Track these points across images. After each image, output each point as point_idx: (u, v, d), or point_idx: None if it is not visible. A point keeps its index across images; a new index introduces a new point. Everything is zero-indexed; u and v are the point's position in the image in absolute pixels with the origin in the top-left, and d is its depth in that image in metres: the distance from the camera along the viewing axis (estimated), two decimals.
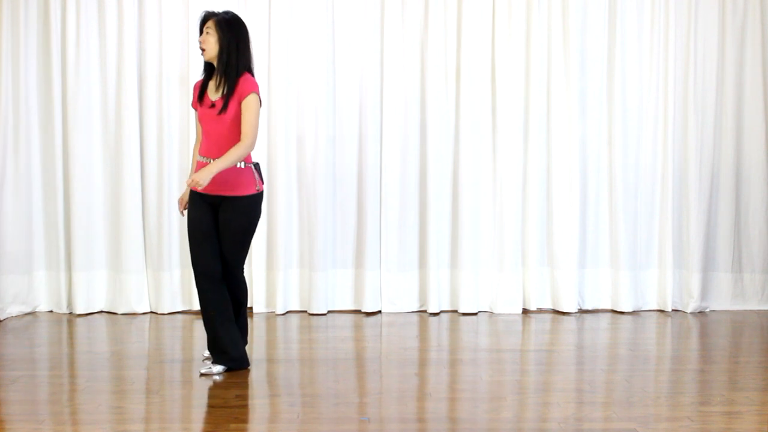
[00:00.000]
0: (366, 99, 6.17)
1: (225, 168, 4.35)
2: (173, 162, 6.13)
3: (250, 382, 4.46)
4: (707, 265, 6.32)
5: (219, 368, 4.56)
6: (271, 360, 4.87)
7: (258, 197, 4.55)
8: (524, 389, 4.33)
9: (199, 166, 4.53)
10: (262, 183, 4.58)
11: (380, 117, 6.19)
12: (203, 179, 4.28)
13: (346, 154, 6.20)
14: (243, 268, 4.69)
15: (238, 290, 4.71)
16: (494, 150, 6.22)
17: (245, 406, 4.04)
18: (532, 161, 6.20)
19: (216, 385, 4.36)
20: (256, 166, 4.55)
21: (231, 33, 4.46)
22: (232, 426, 3.72)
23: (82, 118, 6.04)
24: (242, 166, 4.45)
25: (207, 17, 4.50)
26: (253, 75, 4.53)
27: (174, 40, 6.09)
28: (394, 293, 6.23)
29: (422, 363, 4.89)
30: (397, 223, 6.21)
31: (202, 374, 4.52)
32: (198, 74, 6.05)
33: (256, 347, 5.25)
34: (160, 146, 6.10)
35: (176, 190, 6.13)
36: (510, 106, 6.16)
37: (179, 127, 6.13)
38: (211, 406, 4.05)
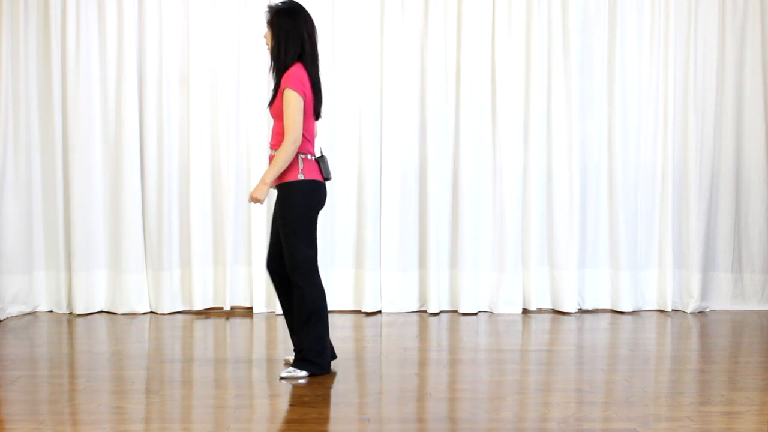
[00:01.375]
0: (366, 99, 6.17)
1: (276, 173, 4.27)
2: (173, 162, 6.13)
3: (250, 382, 4.46)
4: (707, 265, 6.32)
5: (301, 373, 4.43)
6: (271, 360, 4.87)
7: (297, 185, 4.31)
8: (524, 389, 4.33)
9: (269, 158, 4.42)
10: (321, 175, 4.38)
11: (380, 117, 6.19)
12: (260, 194, 4.27)
13: (346, 154, 6.20)
14: (300, 273, 4.37)
15: (295, 299, 4.43)
16: (494, 150, 6.22)
17: (245, 406, 4.04)
18: (532, 161, 6.20)
19: (216, 385, 4.36)
20: (319, 159, 4.40)
21: (279, 24, 4.33)
22: (232, 426, 3.72)
23: (82, 118, 6.04)
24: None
25: (267, 12, 4.41)
26: (306, 65, 4.32)
27: (174, 40, 6.09)
28: (394, 293, 6.23)
29: (422, 363, 4.89)
30: (397, 223, 6.21)
31: (281, 378, 4.42)
32: (198, 74, 6.10)
33: (256, 347, 5.25)
34: (160, 146, 6.10)
35: (176, 190, 6.14)
36: (510, 106, 6.16)
37: (179, 127, 6.14)
38: (211, 406, 4.05)
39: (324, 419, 3.84)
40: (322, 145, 5.99)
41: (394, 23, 6.14)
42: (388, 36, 6.13)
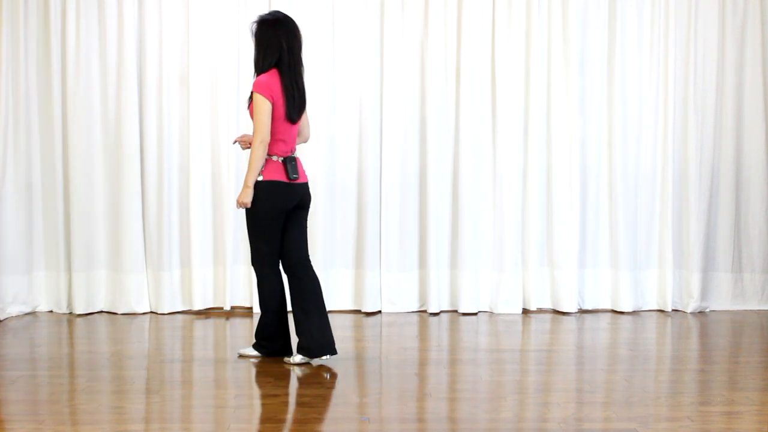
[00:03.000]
0: (366, 99, 6.17)
1: (253, 175, 4.49)
2: (173, 162, 6.13)
3: (250, 382, 4.46)
4: (707, 265, 6.32)
5: (254, 352, 4.86)
6: (271, 360, 4.86)
7: (257, 186, 4.52)
8: (524, 389, 4.33)
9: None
10: (286, 176, 4.55)
11: (380, 117, 6.19)
12: (245, 197, 4.51)
13: (346, 154, 6.20)
14: (257, 269, 4.71)
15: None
16: (494, 150, 6.22)
17: (245, 406, 4.04)
18: (532, 161, 6.20)
19: (216, 385, 4.37)
20: (286, 160, 4.57)
21: (260, 34, 4.60)
22: (232, 426, 3.72)
23: (82, 118, 6.04)
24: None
25: (252, 22, 4.67)
26: (282, 72, 4.52)
27: (174, 40, 6.10)
28: (394, 293, 6.23)
29: (422, 363, 4.89)
30: (397, 223, 6.21)
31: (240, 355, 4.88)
32: (198, 74, 6.11)
33: None
34: (160, 146, 6.10)
35: (176, 190, 6.14)
36: (510, 106, 6.16)
37: (179, 127, 6.14)
38: (211, 406, 4.05)
39: (324, 419, 3.85)
40: (314, 145, 6.00)
41: (394, 23, 6.14)
42: (388, 36, 6.13)
